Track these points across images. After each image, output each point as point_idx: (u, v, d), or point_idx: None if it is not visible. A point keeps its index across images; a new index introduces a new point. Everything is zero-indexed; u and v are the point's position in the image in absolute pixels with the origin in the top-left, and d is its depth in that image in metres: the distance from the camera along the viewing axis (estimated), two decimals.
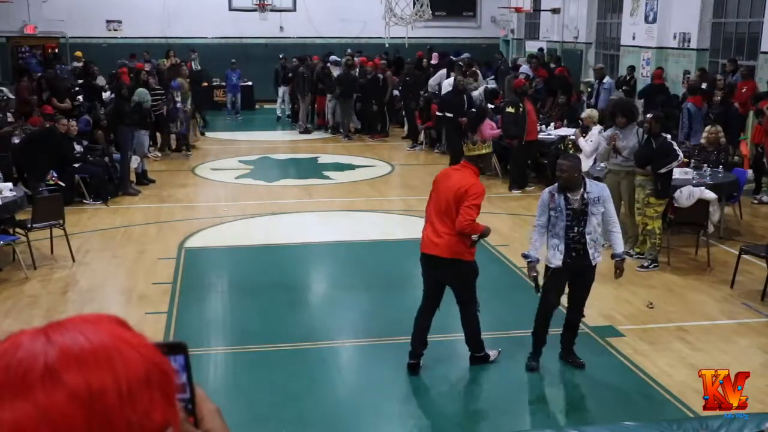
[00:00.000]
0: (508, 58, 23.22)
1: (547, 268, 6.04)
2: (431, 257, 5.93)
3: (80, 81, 16.72)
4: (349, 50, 20.78)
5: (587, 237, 5.85)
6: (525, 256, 6.08)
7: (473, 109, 13.29)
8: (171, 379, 0.91)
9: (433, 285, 6.09)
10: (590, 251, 5.87)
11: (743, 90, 13.36)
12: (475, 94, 14.49)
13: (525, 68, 18.04)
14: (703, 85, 13.81)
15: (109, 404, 0.83)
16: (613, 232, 6.03)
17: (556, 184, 5.96)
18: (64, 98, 14.94)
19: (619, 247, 6.07)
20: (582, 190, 5.86)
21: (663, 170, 8.29)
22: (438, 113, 14.20)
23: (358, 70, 17.96)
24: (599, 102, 15.37)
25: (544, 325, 6.14)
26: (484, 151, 6.06)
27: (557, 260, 5.91)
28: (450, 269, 5.92)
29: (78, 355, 0.85)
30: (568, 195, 5.86)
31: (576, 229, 5.85)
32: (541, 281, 6.07)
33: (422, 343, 6.14)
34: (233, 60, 20.75)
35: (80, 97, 15.18)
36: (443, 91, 14.86)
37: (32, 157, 10.69)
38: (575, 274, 6.00)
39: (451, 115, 13.57)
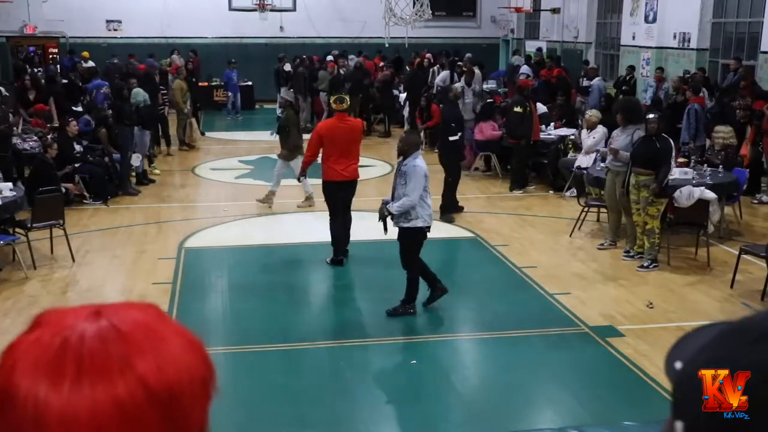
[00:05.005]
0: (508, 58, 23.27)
1: None
2: (349, 182, 8.55)
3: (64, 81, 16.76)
4: (335, 51, 20.80)
5: (393, 201, 6.99)
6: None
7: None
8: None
9: (340, 203, 8.59)
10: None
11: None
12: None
13: (525, 69, 18.06)
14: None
15: (185, 407, 0.84)
16: (403, 199, 6.90)
17: None
18: (64, 99, 14.97)
19: (395, 208, 6.93)
20: (403, 161, 7.01)
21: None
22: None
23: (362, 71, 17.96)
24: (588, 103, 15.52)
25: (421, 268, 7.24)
26: (344, 107, 8.49)
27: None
28: (355, 187, 8.69)
29: (149, 347, 0.84)
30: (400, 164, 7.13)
31: (395, 193, 7.02)
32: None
33: (345, 244, 8.69)
34: (233, 60, 20.75)
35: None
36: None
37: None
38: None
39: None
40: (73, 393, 0.80)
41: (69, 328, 0.84)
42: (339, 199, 8.56)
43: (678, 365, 0.79)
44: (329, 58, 19.65)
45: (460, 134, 10.68)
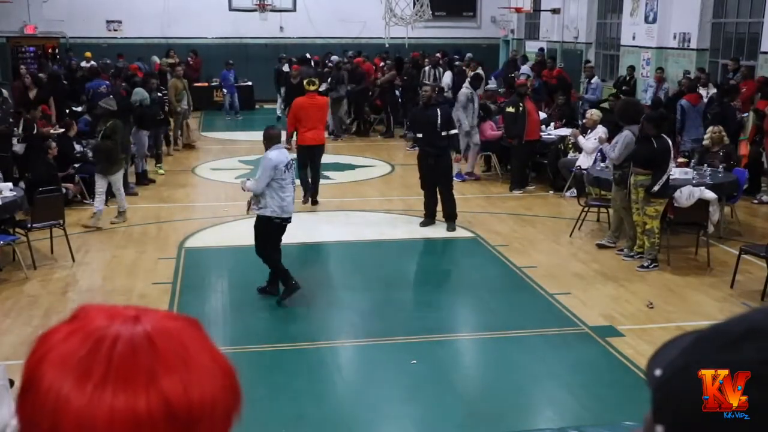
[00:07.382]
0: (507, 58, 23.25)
1: None
2: (317, 146, 11.02)
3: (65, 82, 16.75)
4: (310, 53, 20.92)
5: None
6: None
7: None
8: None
9: (308, 162, 11.02)
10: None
11: (743, 90, 13.36)
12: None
13: (525, 68, 18.05)
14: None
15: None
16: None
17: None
18: (65, 100, 14.96)
19: (247, 183, 7.54)
20: None
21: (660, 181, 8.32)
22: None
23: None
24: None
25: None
26: (313, 88, 10.93)
27: None
28: (322, 150, 11.24)
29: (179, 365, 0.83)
30: None
31: None
32: None
33: (314, 191, 11.22)
34: (230, 60, 20.75)
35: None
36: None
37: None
38: None
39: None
40: (94, 396, 0.79)
41: (104, 329, 0.83)
42: (308, 157, 11.01)
43: (657, 372, 0.81)
44: (293, 59, 19.88)
45: (421, 135, 10.12)
